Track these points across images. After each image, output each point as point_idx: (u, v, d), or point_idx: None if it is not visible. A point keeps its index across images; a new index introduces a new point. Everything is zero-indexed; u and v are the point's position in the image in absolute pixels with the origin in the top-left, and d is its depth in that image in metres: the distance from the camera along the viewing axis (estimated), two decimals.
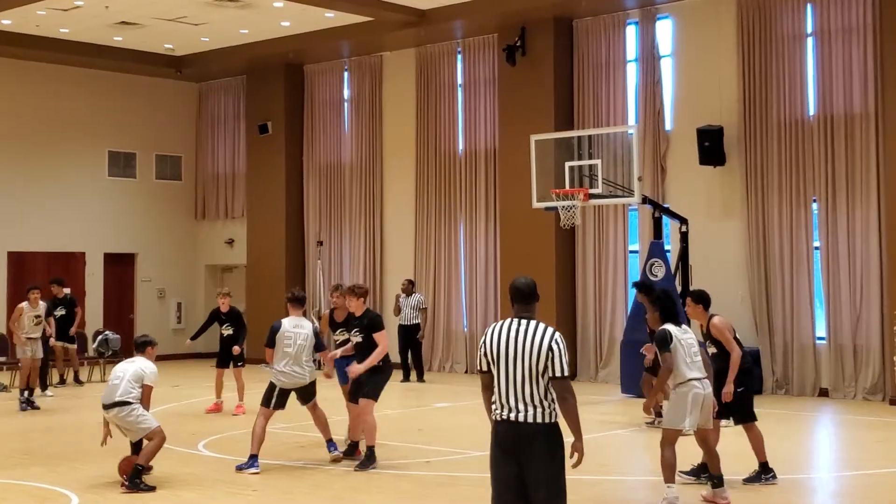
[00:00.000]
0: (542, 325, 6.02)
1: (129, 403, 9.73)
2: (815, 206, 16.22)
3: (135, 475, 9.53)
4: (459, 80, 20.33)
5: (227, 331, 14.79)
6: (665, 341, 8.77)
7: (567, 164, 16.12)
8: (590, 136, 16.51)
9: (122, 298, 23.16)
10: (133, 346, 10.61)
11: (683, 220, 16.36)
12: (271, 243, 22.55)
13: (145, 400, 9.81)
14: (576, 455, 6.00)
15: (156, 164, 23.78)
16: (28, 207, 21.62)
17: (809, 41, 16.34)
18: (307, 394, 10.72)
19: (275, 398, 10.49)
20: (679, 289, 15.92)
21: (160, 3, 18.37)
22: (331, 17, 19.38)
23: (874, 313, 15.57)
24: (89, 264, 22.57)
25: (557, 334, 5.99)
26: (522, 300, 6.13)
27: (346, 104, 22.19)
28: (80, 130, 22.48)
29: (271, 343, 10.54)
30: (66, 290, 18.38)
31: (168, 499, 9.34)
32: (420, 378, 18.56)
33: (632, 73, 18.24)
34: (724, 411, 9.50)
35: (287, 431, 12.28)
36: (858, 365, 15.72)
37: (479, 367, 6.14)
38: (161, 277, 23.70)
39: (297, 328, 10.62)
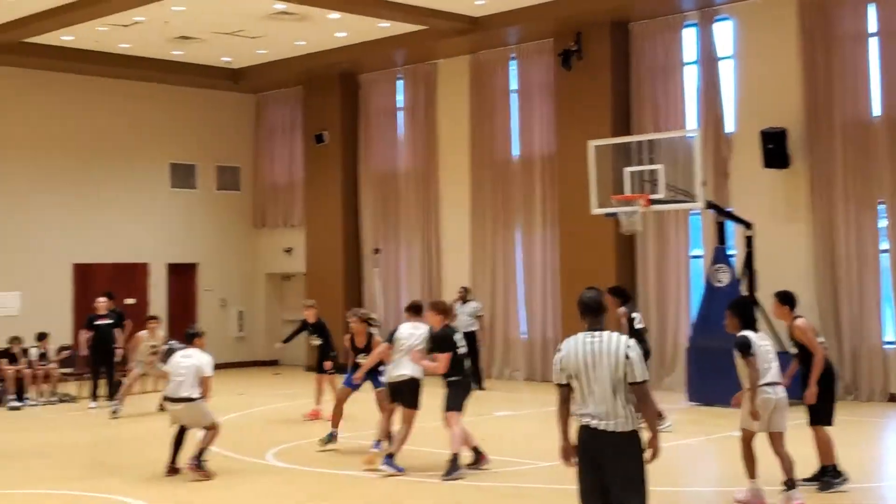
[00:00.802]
0: (615, 335, 6.34)
1: (193, 399, 10.73)
2: (881, 207, 15.95)
3: (199, 455, 10.61)
4: (514, 86, 20.29)
5: (316, 341, 15.37)
6: (748, 346, 8.98)
7: (627, 170, 15.98)
8: (650, 141, 16.35)
9: (185, 308, 23.42)
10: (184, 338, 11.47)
11: (748, 225, 16.16)
12: (329, 251, 22.68)
13: (207, 391, 10.83)
14: (651, 452, 6.30)
15: (216, 174, 24.06)
16: (92, 220, 21.96)
17: (873, 41, 16.09)
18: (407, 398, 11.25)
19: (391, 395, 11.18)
20: (745, 294, 15.73)
21: (218, 17, 18.57)
22: (385, 27, 19.46)
23: None
24: (153, 275, 22.86)
25: (631, 341, 6.32)
26: (592, 314, 6.46)
27: (400, 112, 22.25)
28: (142, 144, 22.80)
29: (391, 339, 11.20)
30: (125, 301, 18.50)
31: None
32: (479, 386, 18.50)
33: (690, 75, 18.07)
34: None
35: (356, 441, 12.30)
36: None
37: (556, 382, 6.43)
38: (222, 286, 23.95)
39: (412, 332, 11.07)
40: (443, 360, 10.63)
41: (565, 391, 6.40)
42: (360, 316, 12.26)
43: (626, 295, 13.21)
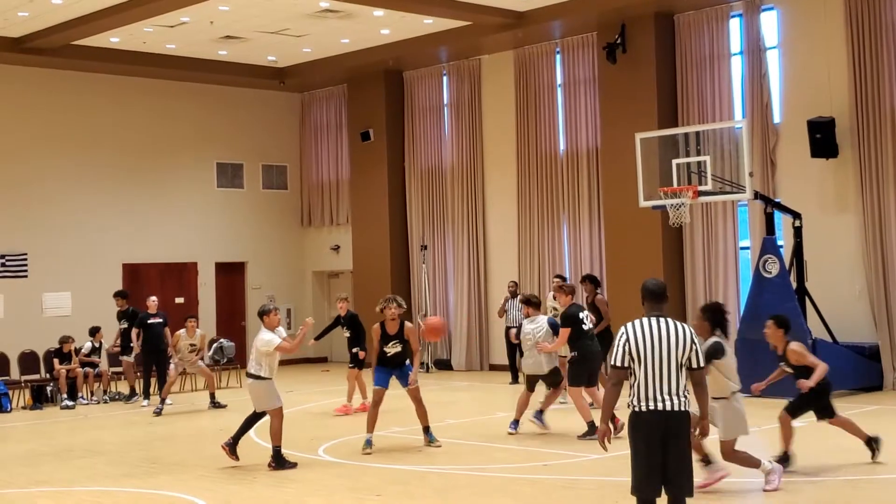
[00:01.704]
0: (677, 323, 6.63)
1: (256, 378, 10.98)
2: None
3: (276, 456, 10.80)
4: (559, 81, 20.25)
5: (346, 334, 15.47)
6: (721, 351, 8.96)
7: (674, 162, 15.93)
8: (696, 133, 16.27)
9: (234, 306, 23.65)
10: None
11: (797, 215, 16.02)
12: (376, 248, 22.77)
13: (271, 359, 10.98)
14: (699, 430, 6.92)
15: (262, 173, 24.26)
16: (141, 220, 22.23)
17: None
18: (550, 380, 12.69)
19: (527, 383, 12.74)
20: (794, 285, 15.63)
21: (263, 16, 18.71)
22: (429, 23, 19.50)
23: None
24: (201, 274, 23.09)
25: (693, 329, 6.68)
26: (654, 299, 6.74)
27: (445, 108, 22.29)
28: (189, 144, 23.04)
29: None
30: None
31: None
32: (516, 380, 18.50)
33: (736, 66, 17.95)
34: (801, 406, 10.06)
35: (404, 435, 12.37)
36: None
37: (614, 363, 6.61)
38: (270, 284, 24.14)
39: (532, 327, 12.55)
40: (563, 335, 12.10)
41: (623, 373, 6.60)
42: (399, 302, 11.92)
43: (598, 282, 15.26)
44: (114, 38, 19.85)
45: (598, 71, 19.23)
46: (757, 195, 15.79)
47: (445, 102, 22.28)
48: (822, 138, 16.33)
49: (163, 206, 22.57)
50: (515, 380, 18.60)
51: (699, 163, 15.76)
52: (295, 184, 24.86)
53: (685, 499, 6.61)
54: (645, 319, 6.61)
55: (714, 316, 9.07)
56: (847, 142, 16.40)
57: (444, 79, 22.25)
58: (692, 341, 6.54)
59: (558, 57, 20.24)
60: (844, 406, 14.18)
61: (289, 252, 24.57)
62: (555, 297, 15.24)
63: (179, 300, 22.29)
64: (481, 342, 21.46)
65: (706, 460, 9.05)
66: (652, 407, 6.50)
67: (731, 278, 17.83)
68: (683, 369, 6.52)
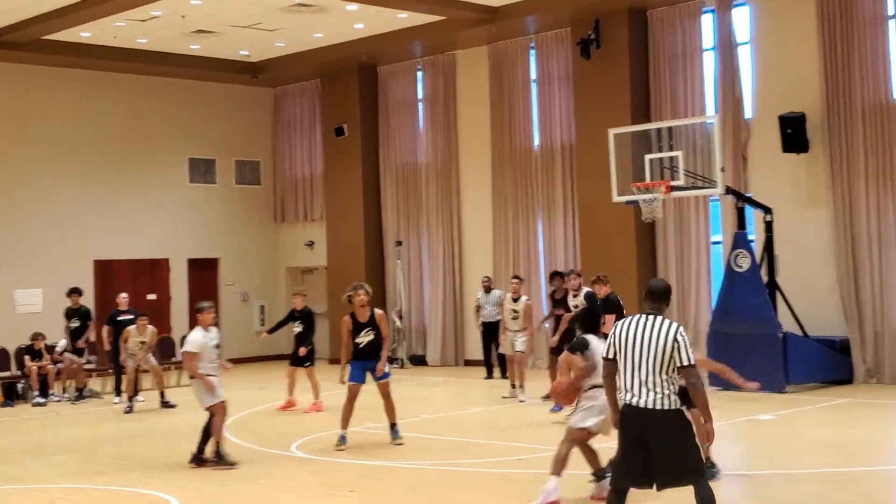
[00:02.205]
0: (667, 321, 6.69)
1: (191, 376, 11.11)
2: None
3: (216, 453, 10.77)
4: (533, 76, 20.27)
5: (298, 328, 15.43)
6: (584, 346, 8.84)
7: (647, 157, 15.98)
8: (669, 128, 16.34)
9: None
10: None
11: (768, 210, 16.12)
12: (351, 244, 22.72)
13: (183, 365, 11.02)
14: (706, 435, 6.73)
15: (235, 169, 24.15)
16: (112, 216, 22.08)
17: (892, 23, 15.99)
18: None
19: None
20: (765, 279, 15.72)
21: (235, 10, 18.61)
22: (403, 18, 19.46)
23: None
24: (174, 270, 22.97)
25: (681, 328, 6.69)
26: (652, 299, 6.86)
27: (420, 104, 22.26)
28: (161, 139, 22.90)
29: None
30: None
31: (266, 500, 9.48)
32: (504, 375, 18.52)
33: (709, 62, 18.01)
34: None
35: (378, 431, 12.36)
36: None
37: (605, 355, 6.87)
38: (244, 281, 24.06)
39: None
40: (609, 321, 11.84)
41: (611, 365, 6.79)
42: (367, 289, 11.79)
43: (564, 277, 15.63)
44: (84, 33, 19.70)
45: (572, 66, 19.26)
46: (728, 190, 15.87)
47: (420, 97, 22.25)
48: (794, 133, 16.44)
49: (135, 201, 22.41)
50: (490, 375, 18.64)
51: (671, 158, 15.82)
52: (268, 179, 24.77)
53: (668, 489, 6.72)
54: (637, 316, 6.77)
55: (586, 321, 9.18)
56: (818, 137, 16.50)
57: (419, 74, 22.21)
58: (674, 339, 6.55)
59: (532, 52, 20.26)
60: (815, 399, 14.36)
61: (262, 248, 24.48)
62: (514, 298, 15.80)
63: (151, 297, 22.16)
64: (456, 337, 21.46)
65: (598, 475, 8.79)
66: (627, 401, 6.63)
67: (702, 273, 17.92)
68: (667, 367, 6.54)
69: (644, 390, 6.54)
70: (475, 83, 21.06)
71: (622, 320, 6.85)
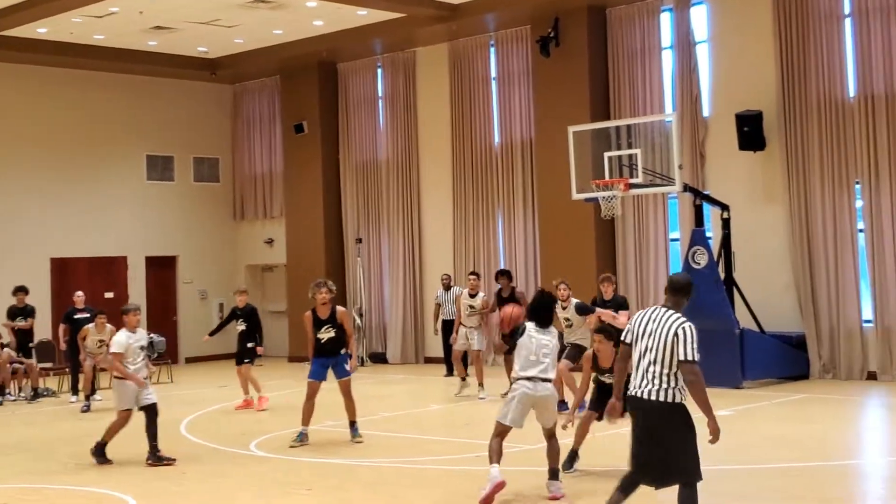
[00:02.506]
0: (676, 314, 6.74)
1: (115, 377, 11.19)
2: (857, 187, 16.05)
3: (98, 447, 11.03)
4: (493, 74, 20.30)
5: (241, 326, 15.34)
6: (521, 332, 8.74)
7: (606, 155, 16.07)
8: (628, 126, 16.43)
9: (165, 301, 23.37)
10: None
11: (725, 207, 16.25)
12: (311, 242, 22.65)
13: (111, 366, 11.15)
14: (711, 434, 6.61)
15: (193, 166, 23.99)
16: (69, 214, 21.86)
17: (847, 21, 16.17)
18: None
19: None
20: (722, 275, 15.85)
21: (193, 6, 18.48)
22: (363, 15, 19.41)
23: None
24: (131, 268, 22.78)
25: (687, 323, 6.67)
26: (671, 292, 6.92)
27: (380, 101, 22.22)
28: (118, 136, 22.69)
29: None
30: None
31: (223, 499, 9.43)
32: (451, 372, 18.53)
33: (667, 60, 18.14)
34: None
35: (337, 429, 12.33)
36: None
37: (623, 339, 7.05)
38: (202, 279, 23.90)
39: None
40: (623, 315, 12.41)
41: (627, 349, 6.94)
42: (330, 286, 11.76)
43: (511, 276, 16.08)
44: (41, 29, 19.47)
45: (532, 64, 19.31)
46: (686, 187, 15.99)
47: (380, 95, 22.21)
48: (750, 131, 16.58)
49: (91, 199, 22.20)
50: (451, 372, 18.62)
51: (630, 155, 15.91)
52: (227, 176, 24.61)
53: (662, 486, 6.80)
54: (654, 307, 6.91)
55: (533, 309, 8.98)
56: (774, 134, 16.66)
57: (379, 71, 22.18)
58: (675, 333, 6.59)
59: (492, 50, 20.29)
60: (772, 395, 14.50)
61: (221, 246, 24.32)
62: (471, 294, 15.99)
63: (109, 295, 21.93)
64: (416, 335, 21.45)
65: (552, 474, 8.75)
66: (631, 392, 6.77)
67: (661, 269, 18.03)
68: (669, 360, 6.60)
69: (646, 381, 6.65)
70: (435, 80, 21.06)
71: (642, 310, 6.97)
